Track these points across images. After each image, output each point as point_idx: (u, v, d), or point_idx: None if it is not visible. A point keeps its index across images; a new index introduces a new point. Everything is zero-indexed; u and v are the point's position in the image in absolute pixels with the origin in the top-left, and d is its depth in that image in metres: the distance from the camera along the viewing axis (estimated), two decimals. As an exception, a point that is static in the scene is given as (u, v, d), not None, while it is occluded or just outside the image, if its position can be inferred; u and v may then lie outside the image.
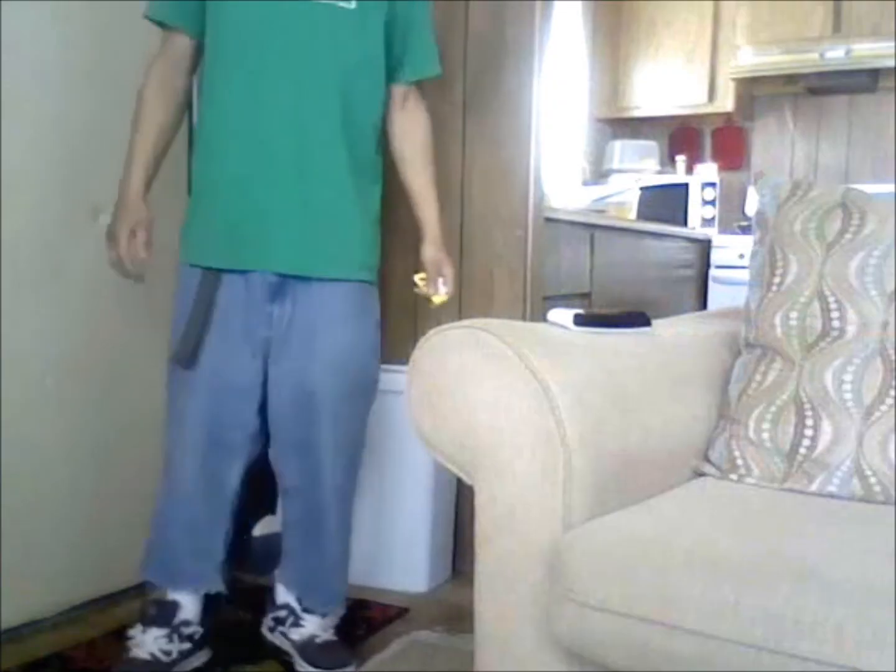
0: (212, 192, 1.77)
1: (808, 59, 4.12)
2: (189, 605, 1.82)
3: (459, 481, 1.32)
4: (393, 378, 2.24)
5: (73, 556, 2.10)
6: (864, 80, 4.20)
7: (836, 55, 4.05)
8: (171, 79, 1.78)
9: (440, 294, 1.91)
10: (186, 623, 1.81)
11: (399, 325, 2.49)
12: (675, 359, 1.41)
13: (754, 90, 4.52)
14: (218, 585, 1.84)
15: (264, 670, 1.85)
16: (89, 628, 2.02)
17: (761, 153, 4.59)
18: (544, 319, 1.33)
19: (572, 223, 2.71)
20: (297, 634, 1.86)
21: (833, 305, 1.29)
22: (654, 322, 1.42)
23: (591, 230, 2.86)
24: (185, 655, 1.80)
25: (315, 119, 1.73)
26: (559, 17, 4.10)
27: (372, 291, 1.87)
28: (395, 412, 2.20)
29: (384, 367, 2.43)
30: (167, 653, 1.77)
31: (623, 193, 3.77)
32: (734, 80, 4.32)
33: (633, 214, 3.73)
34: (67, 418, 2.07)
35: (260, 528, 2.38)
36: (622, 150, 4.46)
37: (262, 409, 1.80)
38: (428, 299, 1.92)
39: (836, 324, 1.29)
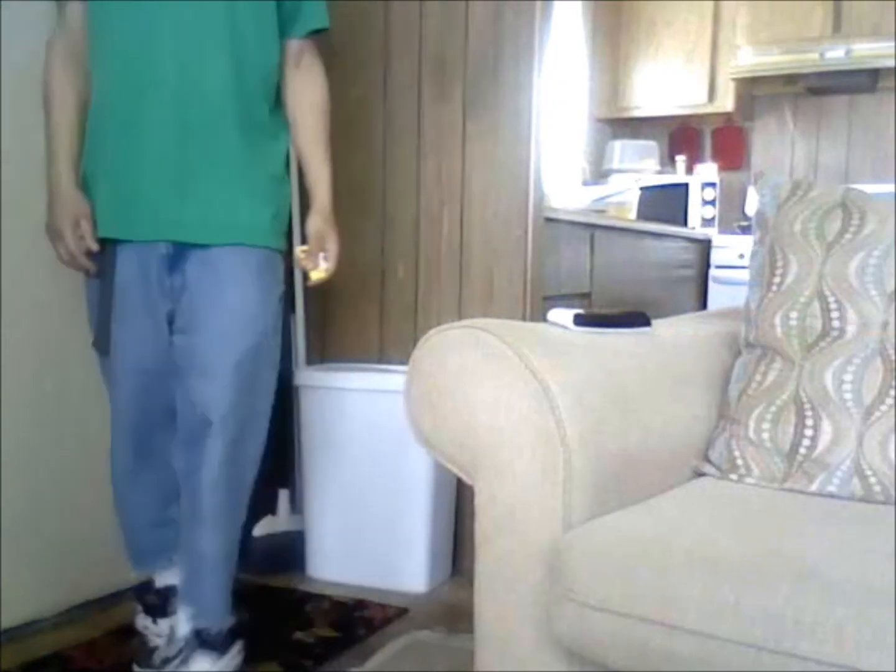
0: (99, 158, 1.67)
1: (808, 59, 4.11)
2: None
3: (459, 481, 1.32)
4: (393, 378, 2.24)
5: (73, 556, 2.09)
6: (864, 80, 4.20)
7: (836, 55, 4.05)
8: (74, 51, 1.69)
9: (319, 270, 1.77)
10: None
11: (399, 325, 2.49)
12: (675, 359, 1.41)
13: (754, 90, 4.52)
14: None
15: (264, 670, 1.85)
16: (89, 628, 2.02)
17: (761, 153, 4.58)
18: (544, 319, 1.33)
19: (572, 223, 2.71)
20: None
21: (833, 305, 1.29)
22: (654, 322, 1.42)
23: (591, 230, 2.86)
24: None
25: (201, 73, 1.64)
26: (559, 17, 4.10)
27: (276, 260, 1.75)
28: (395, 412, 2.19)
29: (383, 366, 2.44)
30: None
31: (623, 193, 3.77)
32: (734, 80, 4.32)
33: (633, 214, 3.73)
34: (66, 418, 2.07)
35: (260, 528, 2.39)
36: (622, 150, 4.46)
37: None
38: (306, 275, 1.79)
39: (836, 324, 1.29)
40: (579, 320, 1.29)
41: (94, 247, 1.66)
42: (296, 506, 2.48)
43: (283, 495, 2.48)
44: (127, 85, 1.63)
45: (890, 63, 3.96)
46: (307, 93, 1.83)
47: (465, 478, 1.22)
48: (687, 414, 1.37)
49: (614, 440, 1.19)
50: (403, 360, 1.36)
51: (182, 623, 1.72)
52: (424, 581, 2.30)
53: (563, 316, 1.30)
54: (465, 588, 1.36)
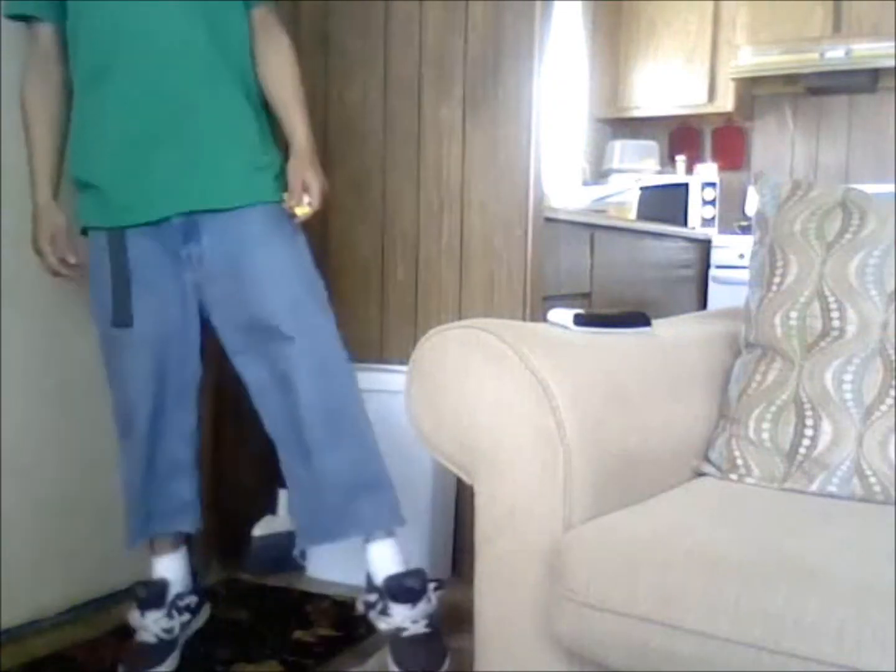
0: (92, 150, 1.73)
1: (808, 59, 4.12)
2: (176, 578, 1.85)
3: (459, 481, 1.32)
4: (393, 378, 2.24)
5: (73, 556, 2.10)
6: (864, 80, 4.20)
7: (836, 55, 4.05)
8: (48, 71, 1.75)
9: (303, 206, 1.76)
10: (180, 596, 1.85)
11: (399, 325, 2.49)
12: (675, 359, 1.41)
13: (754, 90, 4.52)
14: (192, 524, 1.87)
15: (264, 670, 1.85)
16: (89, 628, 2.02)
17: (761, 153, 4.59)
18: (544, 319, 1.33)
19: (572, 223, 2.71)
20: (384, 624, 1.74)
21: (833, 305, 1.29)
22: (654, 322, 1.42)
23: (591, 230, 2.86)
24: (186, 625, 1.86)
25: (184, 48, 1.69)
26: (559, 17, 4.10)
27: (284, 211, 1.78)
28: (395, 412, 2.19)
29: (383, 366, 2.44)
30: (169, 630, 1.81)
31: (623, 193, 3.77)
32: (734, 80, 4.32)
33: (633, 214, 3.73)
34: (67, 419, 2.07)
35: (260, 528, 2.39)
36: (622, 150, 4.46)
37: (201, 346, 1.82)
38: (291, 213, 1.77)
39: (836, 324, 1.29)
40: (579, 320, 1.29)
41: (71, 259, 1.75)
42: (296, 506, 2.48)
43: (283, 495, 2.48)
44: (108, 75, 1.67)
45: (890, 63, 3.96)
46: (280, 53, 1.84)
47: (465, 478, 1.22)
48: (687, 414, 1.37)
49: (614, 440, 1.19)
50: (403, 360, 1.36)
51: (377, 572, 1.77)
52: (424, 581, 2.30)
53: (563, 316, 1.30)
54: (465, 588, 1.36)
